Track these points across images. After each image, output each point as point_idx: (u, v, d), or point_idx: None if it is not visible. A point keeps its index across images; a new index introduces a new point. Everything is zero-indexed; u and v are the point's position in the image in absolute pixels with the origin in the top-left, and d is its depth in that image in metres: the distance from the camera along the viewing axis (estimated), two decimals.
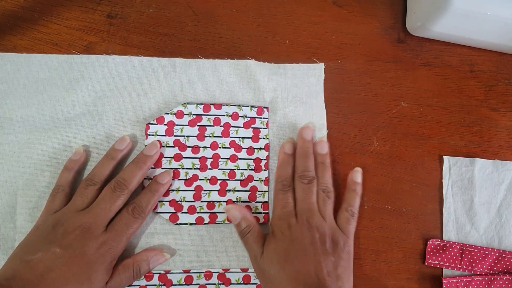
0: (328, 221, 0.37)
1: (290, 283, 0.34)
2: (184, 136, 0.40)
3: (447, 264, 0.41)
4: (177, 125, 0.40)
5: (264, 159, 0.41)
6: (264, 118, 0.41)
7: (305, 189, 0.38)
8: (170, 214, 0.39)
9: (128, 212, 0.36)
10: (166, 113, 0.40)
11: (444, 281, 0.40)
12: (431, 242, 0.41)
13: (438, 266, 0.41)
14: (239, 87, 0.42)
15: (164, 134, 0.40)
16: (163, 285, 0.38)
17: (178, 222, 0.39)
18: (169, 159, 0.39)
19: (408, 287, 0.41)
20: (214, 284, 0.38)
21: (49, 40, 0.41)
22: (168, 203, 0.39)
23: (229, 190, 0.40)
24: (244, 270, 0.39)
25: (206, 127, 0.40)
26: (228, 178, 0.40)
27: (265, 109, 0.41)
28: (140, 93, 0.40)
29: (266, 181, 0.40)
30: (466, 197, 0.43)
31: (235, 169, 0.40)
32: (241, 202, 0.40)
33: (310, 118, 0.42)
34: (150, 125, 0.39)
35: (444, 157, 0.43)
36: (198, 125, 0.40)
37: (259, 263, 0.36)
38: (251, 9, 0.44)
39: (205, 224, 0.39)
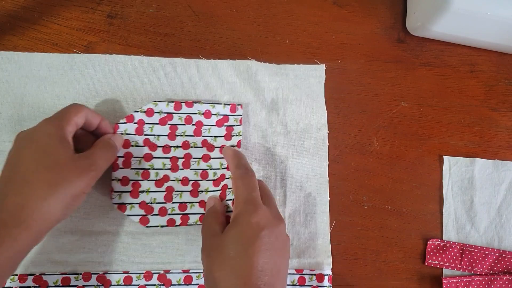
0: None
1: (241, 273, 0.30)
2: (154, 135, 0.39)
3: (447, 264, 0.41)
4: (147, 123, 0.39)
5: None
6: (237, 115, 0.40)
7: None
8: (140, 216, 0.37)
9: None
10: (135, 111, 0.39)
11: (444, 281, 0.40)
12: (431, 242, 0.41)
13: (438, 266, 0.41)
14: (240, 87, 0.42)
15: (134, 133, 0.38)
16: (163, 284, 0.38)
17: (148, 224, 0.37)
18: (139, 159, 0.38)
19: (408, 287, 0.41)
20: None
21: (49, 40, 0.41)
22: (138, 205, 0.38)
23: (202, 191, 0.39)
24: None
25: (177, 125, 0.39)
26: (200, 179, 0.39)
27: (239, 106, 0.40)
28: (140, 93, 0.40)
29: None
30: (466, 197, 0.43)
31: (207, 169, 0.39)
32: None
33: (311, 119, 0.42)
34: (119, 124, 0.38)
35: (444, 157, 0.43)
36: (169, 124, 0.39)
37: (215, 240, 0.33)
38: (251, 9, 0.44)
39: (176, 226, 0.38)
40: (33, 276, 0.37)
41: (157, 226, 0.38)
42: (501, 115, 0.45)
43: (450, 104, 0.44)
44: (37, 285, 0.37)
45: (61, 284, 0.37)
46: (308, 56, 0.43)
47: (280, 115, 0.42)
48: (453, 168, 0.43)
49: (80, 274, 0.37)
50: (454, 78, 0.45)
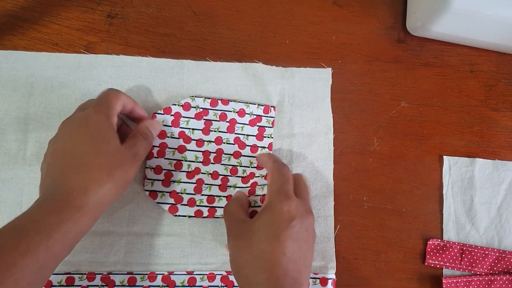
0: None
1: (269, 259, 0.31)
2: (189, 128, 0.40)
3: (447, 264, 0.41)
4: (183, 117, 0.40)
5: None
6: (270, 117, 0.41)
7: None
8: (169, 205, 0.39)
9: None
10: (173, 104, 0.40)
11: (444, 281, 0.40)
12: (431, 242, 0.41)
13: (438, 266, 0.41)
14: (246, 90, 0.42)
15: (170, 124, 0.40)
16: (166, 286, 0.38)
17: (177, 213, 0.38)
18: (173, 150, 0.39)
19: (408, 287, 0.41)
20: (217, 286, 0.38)
21: (49, 40, 0.41)
22: (168, 194, 0.39)
23: (230, 186, 0.40)
24: None
25: (212, 121, 0.40)
26: (229, 174, 0.40)
27: (272, 108, 0.41)
28: (147, 94, 0.40)
29: (266, 176, 0.40)
30: (466, 197, 0.43)
31: (237, 166, 0.40)
32: None
33: (316, 122, 0.42)
34: (156, 114, 0.39)
35: (444, 157, 0.43)
36: (204, 119, 0.40)
37: (243, 224, 0.33)
38: (251, 9, 0.44)
39: (203, 217, 0.39)
40: None
41: (185, 216, 0.39)
42: (501, 115, 0.45)
43: (450, 104, 0.44)
44: None
45: (65, 284, 0.37)
46: (308, 56, 0.43)
47: (286, 118, 0.42)
48: (453, 168, 0.43)
49: (84, 274, 0.37)
50: (454, 78, 0.45)
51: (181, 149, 0.40)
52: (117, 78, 0.40)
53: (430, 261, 0.41)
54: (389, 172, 0.43)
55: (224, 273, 0.39)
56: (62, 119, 0.39)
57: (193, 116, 0.40)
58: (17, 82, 0.39)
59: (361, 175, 0.42)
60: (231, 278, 0.39)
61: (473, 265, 0.41)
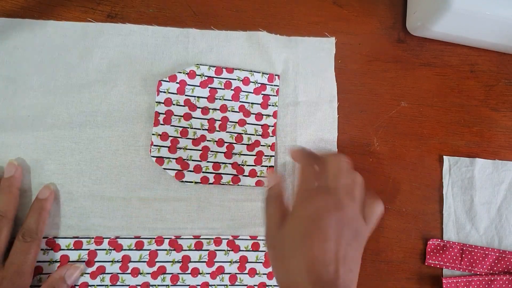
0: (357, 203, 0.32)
1: (305, 268, 0.28)
2: (194, 96, 0.40)
3: (447, 264, 0.41)
4: (188, 84, 0.40)
5: (272, 126, 0.41)
6: (274, 85, 0.42)
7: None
8: (176, 171, 0.39)
9: (20, 240, 0.34)
10: (179, 72, 0.40)
11: (444, 281, 0.40)
12: (431, 242, 0.41)
13: (438, 266, 0.41)
14: (250, 59, 0.42)
15: (176, 92, 0.40)
16: (173, 249, 0.38)
17: (183, 179, 0.39)
18: (179, 117, 0.40)
19: (408, 287, 0.41)
20: (224, 250, 0.39)
21: None
22: (175, 160, 0.39)
23: (235, 154, 0.40)
24: (253, 238, 0.40)
25: (217, 89, 0.41)
26: (235, 142, 0.41)
27: (276, 77, 0.42)
28: (153, 62, 0.41)
29: (272, 147, 0.41)
30: (466, 197, 0.43)
31: (242, 133, 0.41)
32: (247, 165, 0.40)
33: (320, 91, 0.42)
34: (162, 81, 0.40)
35: (444, 157, 0.43)
36: (209, 87, 0.41)
37: (276, 232, 0.31)
38: (251, 9, 0.44)
39: (210, 184, 0.39)
40: (46, 239, 0.37)
41: (191, 182, 0.39)
42: (501, 115, 0.45)
43: (450, 104, 0.44)
44: (50, 248, 0.37)
45: (73, 248, 0.37)
46: None
47: (291, 86, 0.42)
48: (453, 168, 0.43)
49: (92, 238, 0.38)
50: (454, 78, 0.45)
51: (187, 117, 0.40)
52: (123, 46, 0.41)
53: (430, 261, 0.41)
54: (389, 172, 0.43)
55: (230, 238, 0.39)
56: (69, 86, 0.40)
57: (198, 84, 0.41)
58: (25, 50, 0.40)
59: (361, 175, 0.42)
60: (237, 242, 0.39)
61: (473, 265, 0.41)
